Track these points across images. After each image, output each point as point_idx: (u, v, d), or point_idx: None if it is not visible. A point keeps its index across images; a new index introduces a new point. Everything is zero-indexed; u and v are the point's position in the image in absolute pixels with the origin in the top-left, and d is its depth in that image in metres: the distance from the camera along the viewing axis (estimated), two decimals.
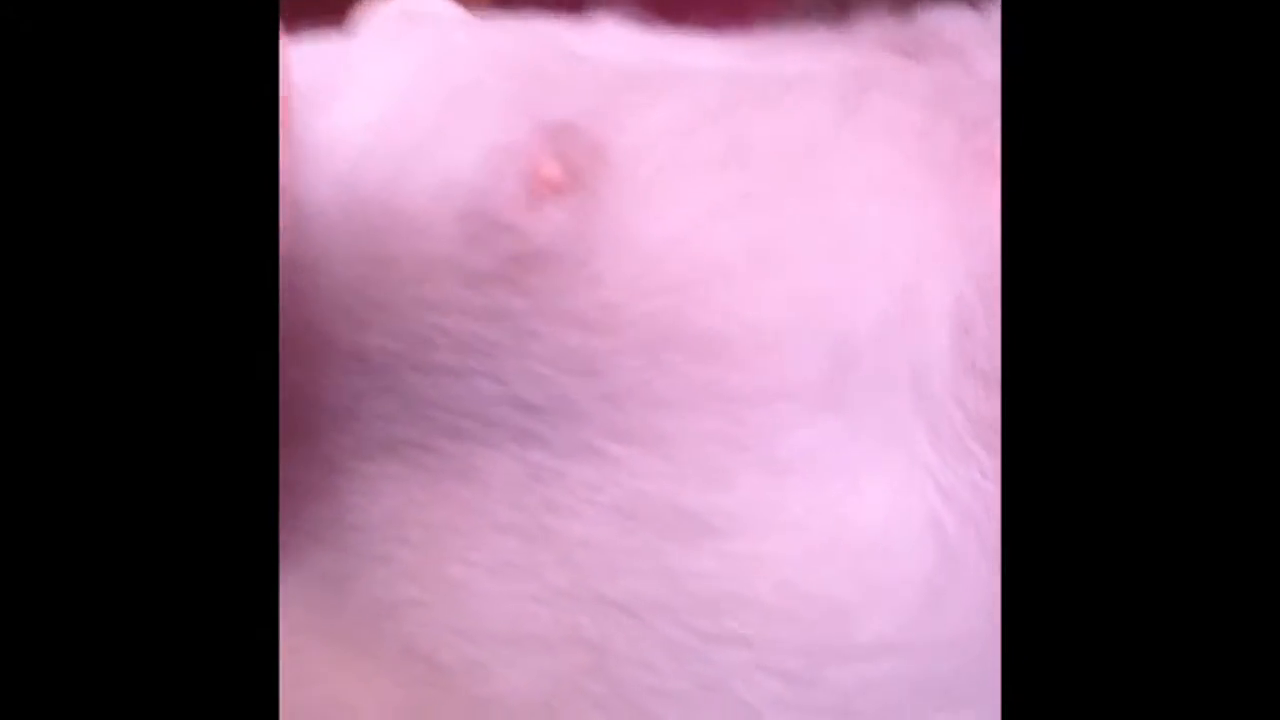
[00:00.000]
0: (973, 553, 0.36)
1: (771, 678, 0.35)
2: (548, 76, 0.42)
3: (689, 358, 0.37)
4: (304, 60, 0.41)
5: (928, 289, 0.38)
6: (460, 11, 0.48)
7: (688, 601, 0.36)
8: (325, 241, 0.39)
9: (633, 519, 0.37)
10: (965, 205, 0.38)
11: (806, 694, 0.35)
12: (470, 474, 0.38)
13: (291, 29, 0.41)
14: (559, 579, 0.37)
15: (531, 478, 0.38)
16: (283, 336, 0.34)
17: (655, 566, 0.36)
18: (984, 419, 0.37)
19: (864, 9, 0.47)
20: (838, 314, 0.37)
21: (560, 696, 0.36)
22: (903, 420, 0.37)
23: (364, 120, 0.41)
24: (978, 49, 0.43)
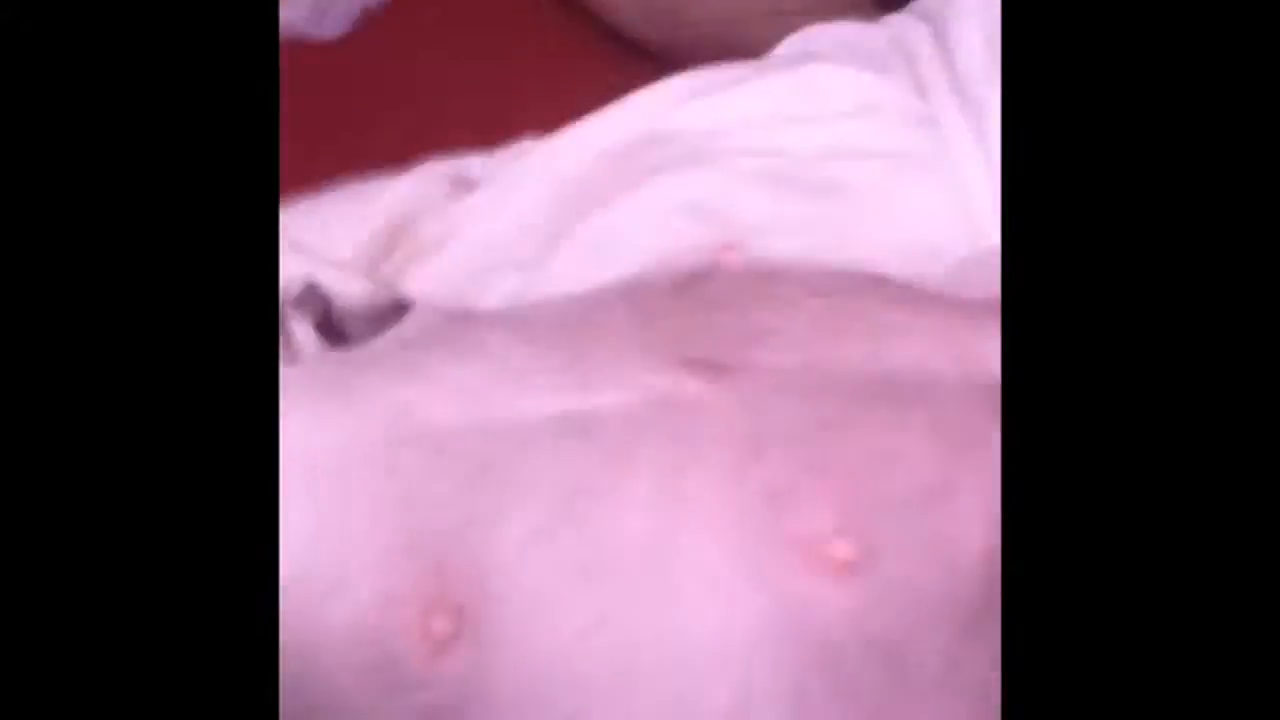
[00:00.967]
0: None
1: None
2: (416, 487, 0.49)
3: None
4: None
5: (759, 681, 0.47)
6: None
7: None
8: None
9: None
10: (786, 600, 0.47)
11: None
12: None
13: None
14: None
15: None
16: None
17: None
18: None
19: None
20: (701, 710, 0.46)
21: None
22: None
23: None
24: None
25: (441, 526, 0.49)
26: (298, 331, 0.63)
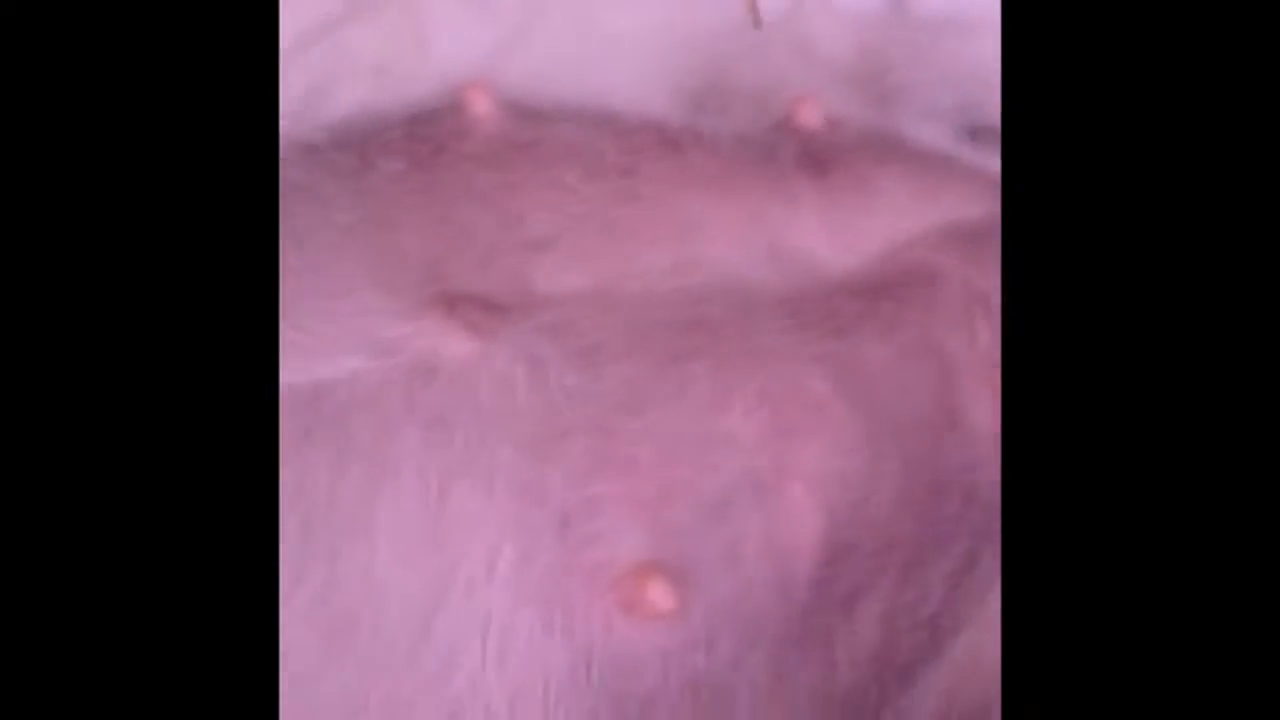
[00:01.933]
0: None
1: None
2: None
3: None
4: None
5: None
6: None
7: None
8: None
9: None
10: (591, 654, 0.38)
11: None
12: None
13: None
14: None
15: None
16: None
17: None
18: None
19: None
20: None
21: None
22: None
23: None
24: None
25: None
26: None
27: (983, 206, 0.48)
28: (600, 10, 0.53)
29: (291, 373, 0.39)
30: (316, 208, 0.42)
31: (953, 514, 0.41)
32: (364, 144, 0.45)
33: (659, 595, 0.37)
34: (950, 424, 0.42)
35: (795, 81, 0.51)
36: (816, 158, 0.48)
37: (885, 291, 0.44)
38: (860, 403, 0.41)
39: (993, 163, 0.50)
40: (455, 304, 0.40)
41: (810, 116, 0.49)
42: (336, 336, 0.40)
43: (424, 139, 0.45)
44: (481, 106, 0.46)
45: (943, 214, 0.47)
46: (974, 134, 0.53)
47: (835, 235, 0.46)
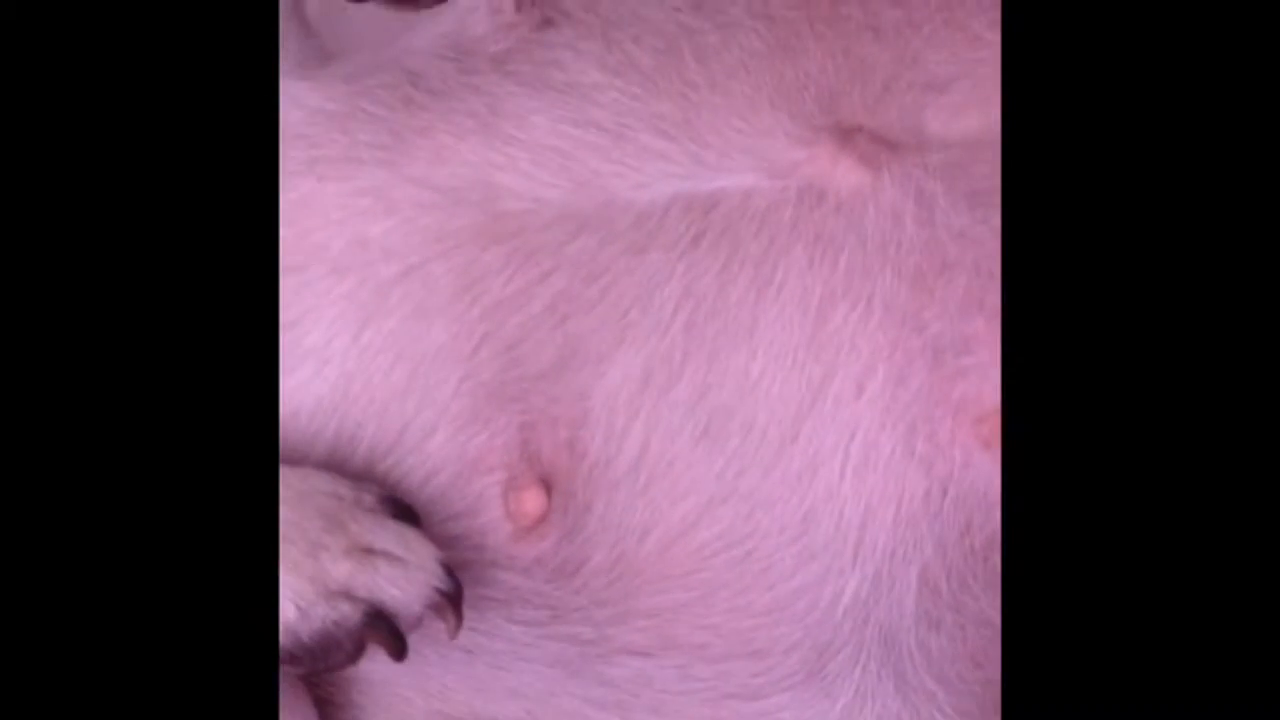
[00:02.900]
0: None
1: None
2: (502, 307, 0.39)
3: (686, 661, 0.40)
4: None
5: (897, 562, 0.40)
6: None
7: None
8: None
9: None
10: (949, 485, 0.39)
11: None
12: None
13: None
14: None
15: None
16: None
17: None
18: (940, 656, 0.41)
19: None
20: (816, 609, 0.39)
21: None
22: (874, 678, 0.41)
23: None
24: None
25: (532, 367, 0.39)
26: None
27: None
28: None
29: (686, 181, 0.41)
30: (723, 30, 0.43)
31: None
32: None
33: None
34: None
35: None
36: None
37: None
38: None
39: None
40: (849, 135, 0.41)
41: None
42: (734, 152, 0.41)
43: None
44: None
45: None
46: None
47: None
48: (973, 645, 0.40)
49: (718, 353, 0.39)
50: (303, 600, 0.35)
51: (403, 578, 0.36)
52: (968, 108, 0.43)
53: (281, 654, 0.35)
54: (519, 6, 0.43)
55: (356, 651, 0.36)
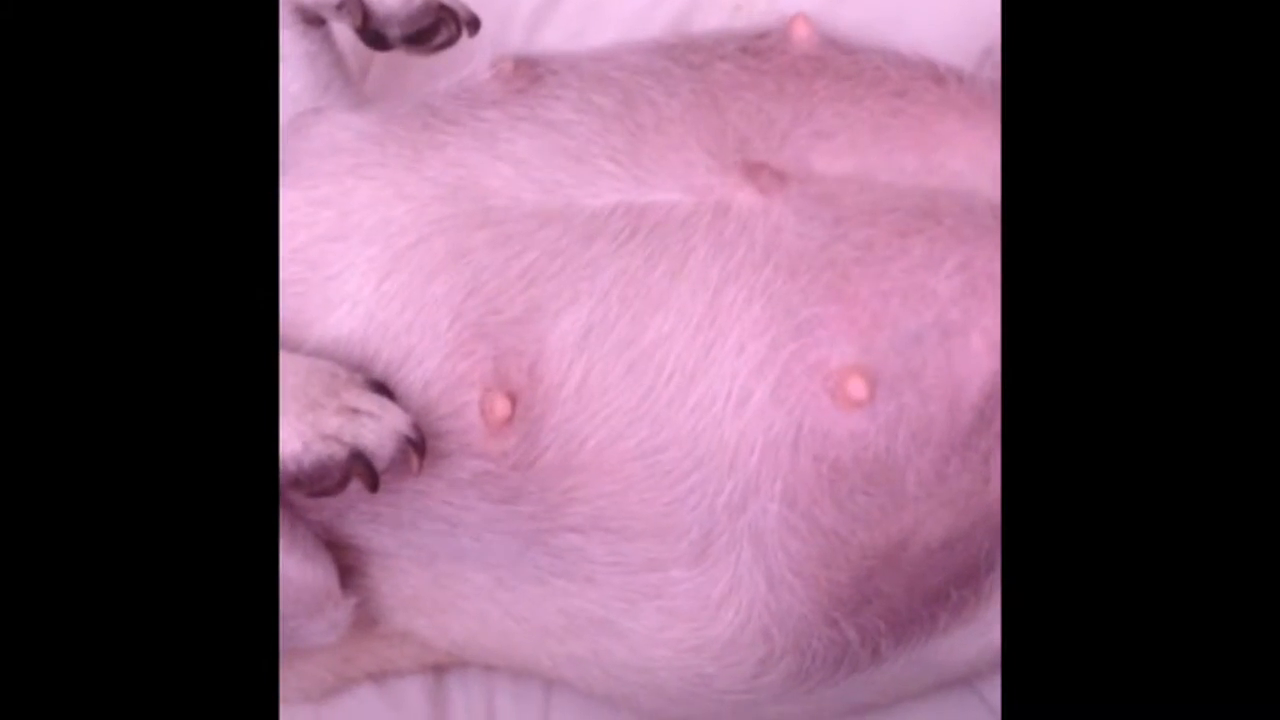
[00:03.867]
0: (789, 647, 0.56)
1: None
2: (485, 272, 0.54)
3: (612, 540, 0.54)
4: None
5: (763, 485, 0.54)
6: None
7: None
8: None
9: (571, 620, 0.56)
10: (800, 423, 0.53)
11: None
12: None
13: None
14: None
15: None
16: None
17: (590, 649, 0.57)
18: (798, 556, 0.55)
19: None
20: (702, 505, 0.54)
21: None
22: (747, 568, 0.55)
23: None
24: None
25: (506, 315, 0.54)
26: (339, 34, 0.64)
27: None
28: None
29: (628, 194, 0.56)
30: (668, 89, 0.59)
31: None
32: (710, 49, 0.61)
33: (856, 389, 0.53)
34: None
35: None
36: None
37: None
38: None
39: None
40: (754, 169, 0.56)
41: None
42: (666, 177, 0.56)
43: (754, 53, 0.61)
44: (802, 32, 0.61)
45: None
46: None
47: None
48: (823, 550, 0.54)
49: (640, 314, 0.54)
50: (304, 440, 0.50)
51: (379, 429, 0.51)
52: (845, 152, 0.58)
53: (286, 477, 0.50)
54: (516, 68, 0.59)
55: (343, 481, 0.51)
